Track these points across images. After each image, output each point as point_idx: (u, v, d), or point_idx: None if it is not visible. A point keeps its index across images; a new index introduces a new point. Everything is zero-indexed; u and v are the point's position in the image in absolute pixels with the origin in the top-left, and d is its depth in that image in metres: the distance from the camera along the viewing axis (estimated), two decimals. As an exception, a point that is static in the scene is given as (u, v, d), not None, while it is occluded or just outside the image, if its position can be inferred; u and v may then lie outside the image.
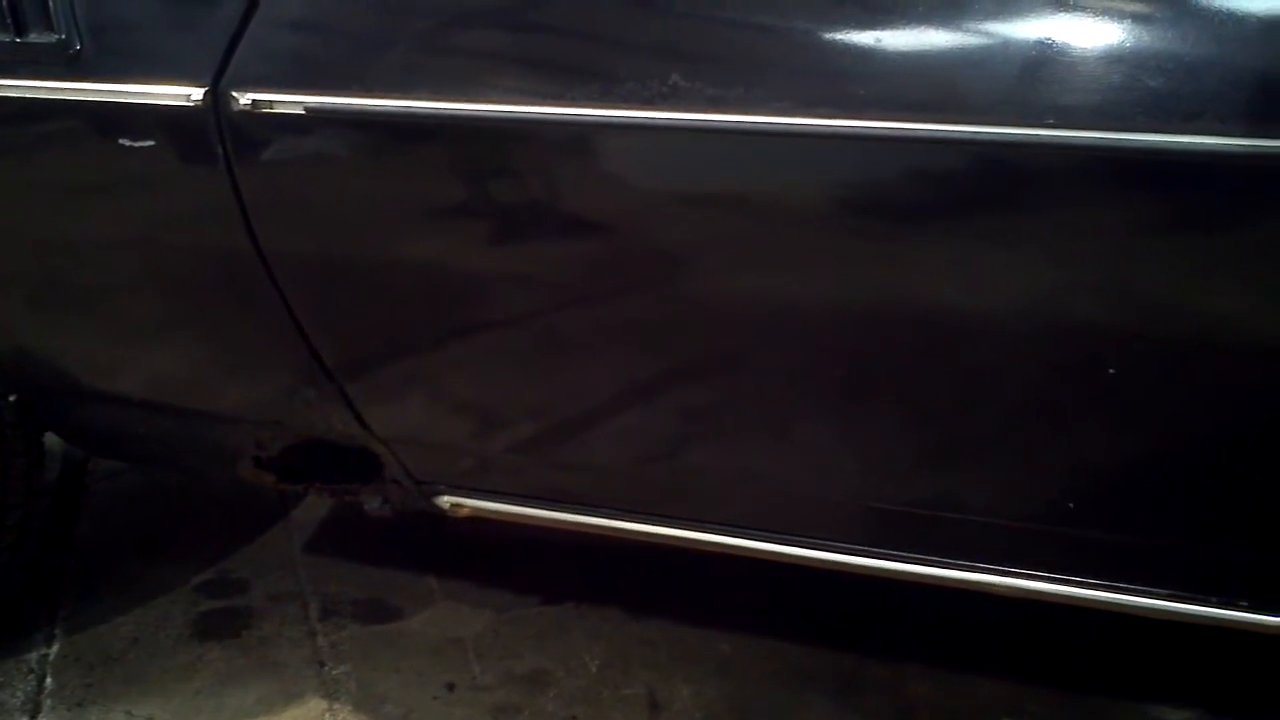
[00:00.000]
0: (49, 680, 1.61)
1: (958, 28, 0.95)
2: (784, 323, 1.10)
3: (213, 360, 1.37)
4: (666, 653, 1.61)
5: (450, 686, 1.56)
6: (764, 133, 0.99)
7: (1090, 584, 1.18)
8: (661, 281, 1.12)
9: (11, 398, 1.48)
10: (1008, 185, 0.98)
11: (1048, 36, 0.91)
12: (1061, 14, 0.91)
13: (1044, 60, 0.92)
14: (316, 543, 1.89)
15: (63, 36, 1.15)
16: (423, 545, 1.80)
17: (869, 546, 1.26)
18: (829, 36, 0.98)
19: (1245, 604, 1.14)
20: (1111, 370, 1.02)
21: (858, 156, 1.00)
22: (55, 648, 1.66)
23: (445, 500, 1.39)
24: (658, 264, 1.11)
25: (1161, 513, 1.13)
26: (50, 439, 1.61)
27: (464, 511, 1.38)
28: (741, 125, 0.99)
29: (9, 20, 1.17)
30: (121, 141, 1.18)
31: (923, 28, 0.96)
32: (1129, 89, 0.90)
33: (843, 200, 1.04)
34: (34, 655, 1.65)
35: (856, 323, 1.08)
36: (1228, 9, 0.89)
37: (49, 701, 1.57)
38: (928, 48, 0.96)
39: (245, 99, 1.11)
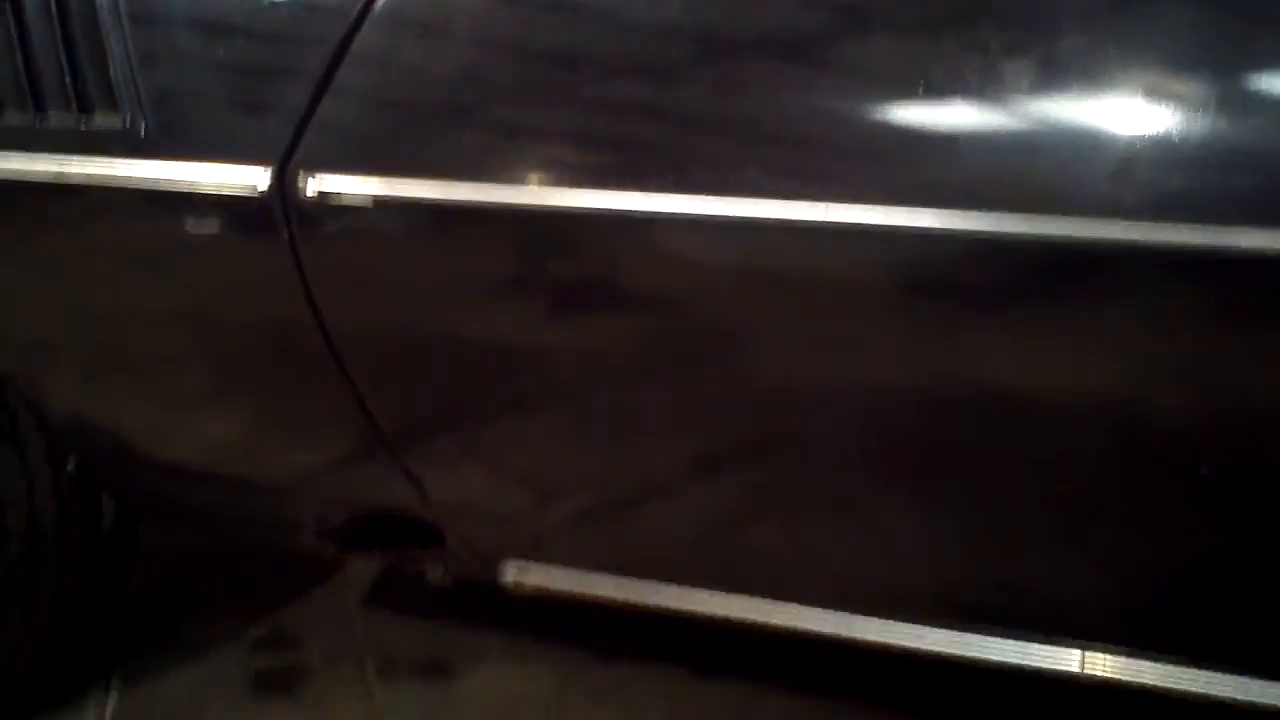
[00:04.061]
0: (109, 731, 1.61)
1: (1048, 122, 0.92)
2: (845, 405, 1.09)
3: (273, 435, 1.36)
4: (730, 717, 1.59)
5: (508, 747, 1.55)
6: (836, 226, 0.97)
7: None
8: (727, 363, 1.10)
9: (70, 464, 1.48)
10: (1081, 278, 0.95)
11: (1139, 133, 0.89)
12: (1154, 109, 0.88)
13: (1135, 157, 0.89)
14: (371, 598, 1.87)
15: (128, 119, 1.14)
16: (479, 601, 1.78)
17: (934, 627, 1.24)
18: (912, 129, 0.96)
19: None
20: (1203, 471, 0.99)
21: (937, 248, 0.97)
22: (113, 702, 1.66)
23: (509, 573, 1.37)
24: (723, 345, 1.09)
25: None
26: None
27: (527, 588, 1.36)
28: (814, 220, 0.98)
29: (74, 102, 1.16)
30: (186, 219, 1.17)
31: (1009, 119, 0.93)
32: (1220, 186, 0.88)
33: (910, 288, 1.01)
34: (92, 708, 1.65)
35: (918, 407, 1.07)
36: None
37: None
38: (1014, 140, 0.94)
39: (313, 182, 1.10)
